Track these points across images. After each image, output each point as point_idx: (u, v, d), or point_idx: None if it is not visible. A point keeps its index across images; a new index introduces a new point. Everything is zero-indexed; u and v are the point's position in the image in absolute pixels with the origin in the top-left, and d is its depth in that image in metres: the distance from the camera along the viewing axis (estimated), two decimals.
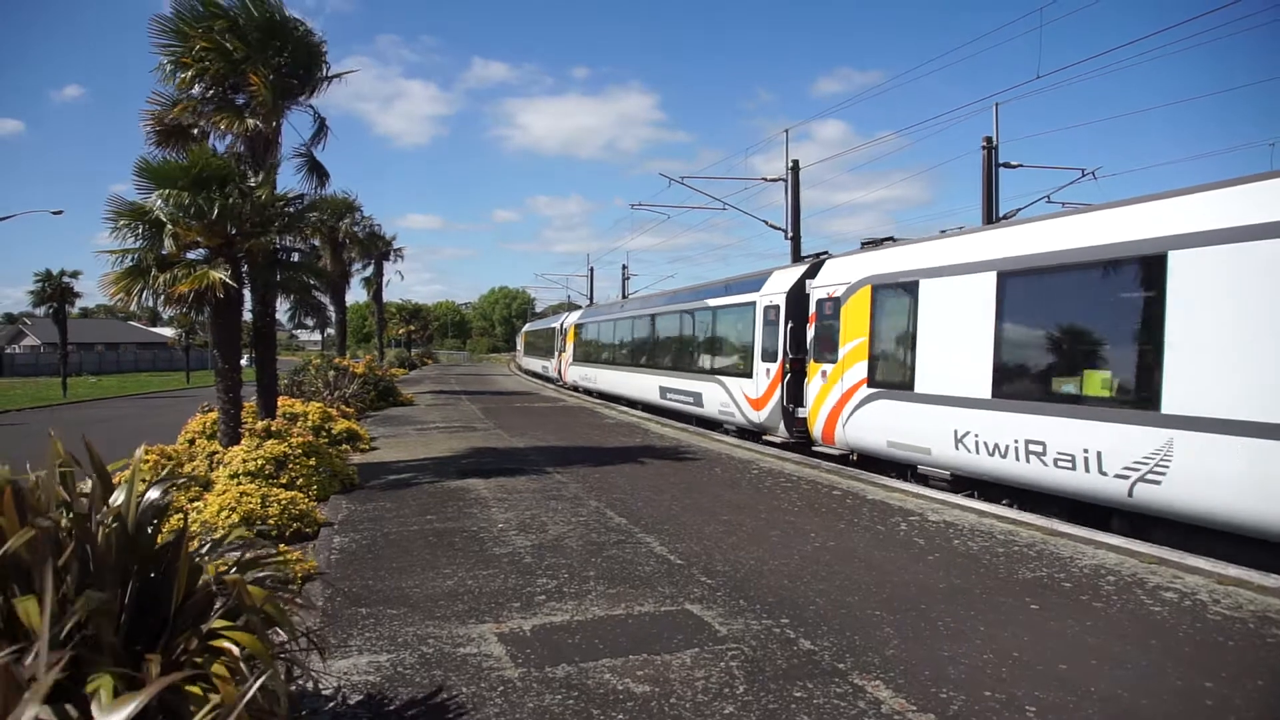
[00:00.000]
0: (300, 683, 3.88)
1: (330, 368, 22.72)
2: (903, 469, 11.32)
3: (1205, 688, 4.14)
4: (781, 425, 15.01)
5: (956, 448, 10.18)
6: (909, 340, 11.32)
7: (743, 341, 16.88)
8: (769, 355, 15.50)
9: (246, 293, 11.35)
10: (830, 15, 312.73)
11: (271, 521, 7.52)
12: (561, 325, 38.64)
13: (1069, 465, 8.57)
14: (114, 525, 2.87)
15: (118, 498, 2.95)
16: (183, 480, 7.46)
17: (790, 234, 23.16)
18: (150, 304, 10.85)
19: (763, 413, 15.70)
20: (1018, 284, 9.70)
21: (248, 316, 11.98)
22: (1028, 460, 9.10)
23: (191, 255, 10.64)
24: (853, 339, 12.62)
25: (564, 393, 31.45)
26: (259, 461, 9.07)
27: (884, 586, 5.93)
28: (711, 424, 18.15)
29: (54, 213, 35.92)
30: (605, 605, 5.50)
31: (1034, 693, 4.08)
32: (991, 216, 18.77)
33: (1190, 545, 7.22)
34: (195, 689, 2.47)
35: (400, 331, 69.46)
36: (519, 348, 63.68)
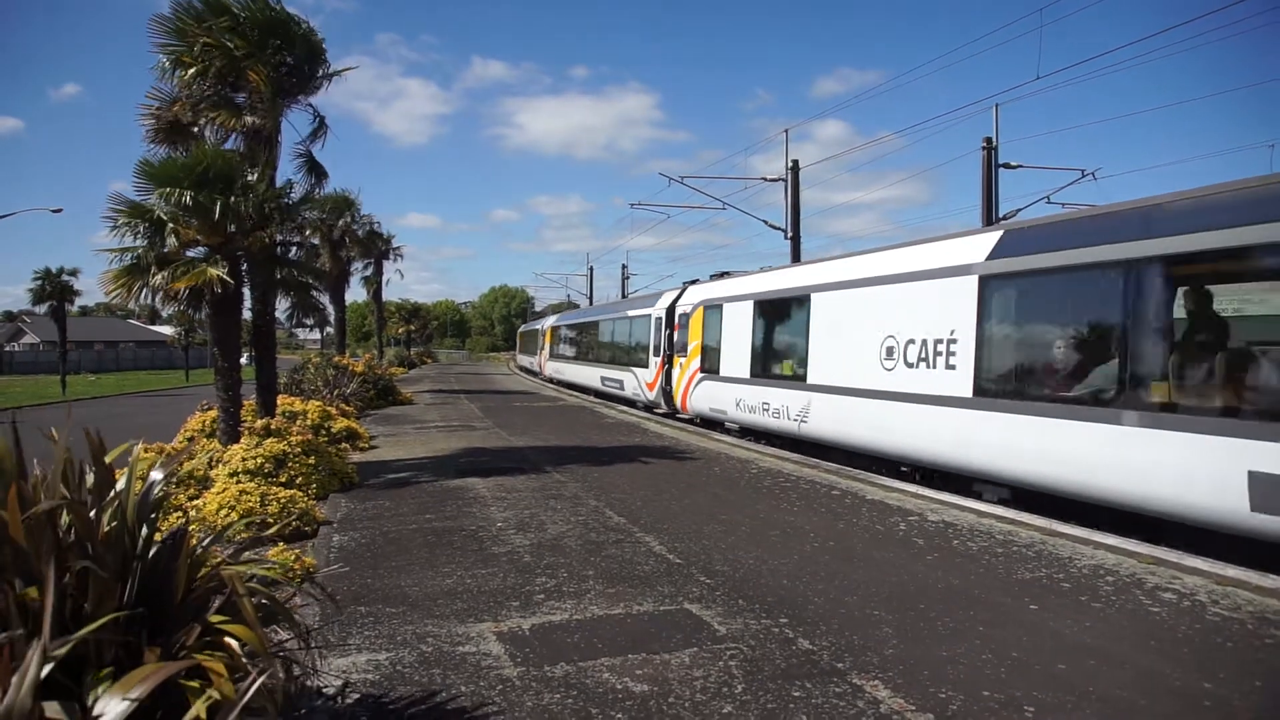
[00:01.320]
0: (299, 680, 3.88)
1: (330, 366, 22.72)
2: (718, 425, 17.47)
3: (1204, 688, 4.14)
4: (662, 401, 21.19)
5: (736, 409, 16.16)
6: (718, 342, 17.27)
7: (644, 343, 23.01)
8: (656, 352, 21.64)
9: (246, 291, 11.35)
10: (829, 15, 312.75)
11: (271, 520, 7.52)
12: (542, 328, 45.54)
13: (778, 416, 14.42)
14: (114, 523, 2.88)
15: (118, 490, 2.95)
16: (181, 469, 7.46)
17: (790, 234, 23.19)
18: (149, 301, 10.86)
19: (653, 393, 21.98)
20: (759, 307, 15.79)
21: (247, 315, 11.99)
22: (764, 415, 14.98)
23: (191, 254, 10.64)
24: (694, 341, 18.65)
25: (563, 392, 31.47)
26: (258, 460, 9.07)
27: (883, 586, 5.94)
28: (629, 402, 24.53)
29: (53, 210, 36.03)
30: (604, 604, 5.50)
31: (1033, 693, 4.08)
32: (991, 217, 18.79)
33: (825, 456, 12.68)
34: (194, 683, 2.48)
35: (400, 330, 69.46)
36: (518, 347, 68.13)
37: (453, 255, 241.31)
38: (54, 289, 42.46)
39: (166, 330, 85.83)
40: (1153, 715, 3.87)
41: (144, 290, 10.33)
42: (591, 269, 59.42)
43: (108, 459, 3.15)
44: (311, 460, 9.64)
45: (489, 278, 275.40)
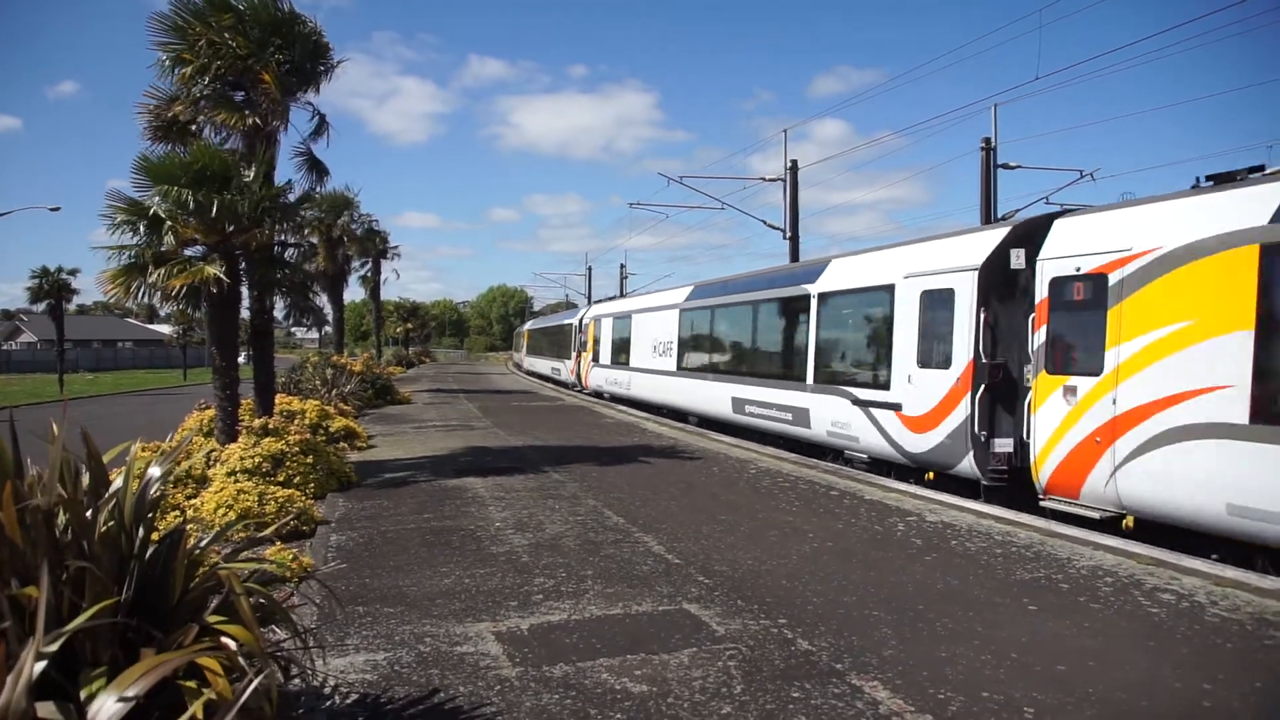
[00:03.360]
0: (297, 681, 3.87)
1: (328, 366, 22.69)
2: (602, 396, 27.30)
3: (1203, 689, 4.14)
4: (577, 382, 31.87)
5: (606, 384, 26.69)
6: (598, 343, 27.95)
7: (569, 342, 34.25)
8: (576, 348, 32.30)
9: (244, 290, 11.32)
10: (828, 14, 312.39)
11: (269, 519, 7.50)
12: (522, 330, 61.44)
13: (621, 387, 24.91)
14: (111, 523, 2.86)
15: (114, 489, 2.94)
16: (179, 467, 7.43)
17: (789, 234, 23.17)
18: (147, 300, 10.86)
19: (572, 376, 32.89)
20: (614, 321, 26.59)
21: (245, 314, 11.95)
22: (617, 387, 24.95)
23: (189, 252, 10.61)
24: (590, 342, 29.51)
25: (562, 391, 31.51)
26: (256, 459, 9.05)
27: (882, 587, 5.93)
28: (563, 384, 35.15)
29: (51, 209, 35.99)
30: (603, 605, 5.49)
31: (1032, 693, 4.08)
32: (990, 217, 18.78)
33: (642, 408, 22.47)
34: (190, 684, 2.46)
35: (398, 330, 69.28)
36: (513, 346, 76.74)
37: (450, 254, 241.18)
38: (52, 287, 42.32)
39: (164, 329, 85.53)
40: (1153, 716, 3.86)
41: (142, 288, 10.30)
42: (590, 269, 59.33)
43: (105, 458, 3.14)
44: (309, 459, 9.62)
45: (487, 277, 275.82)
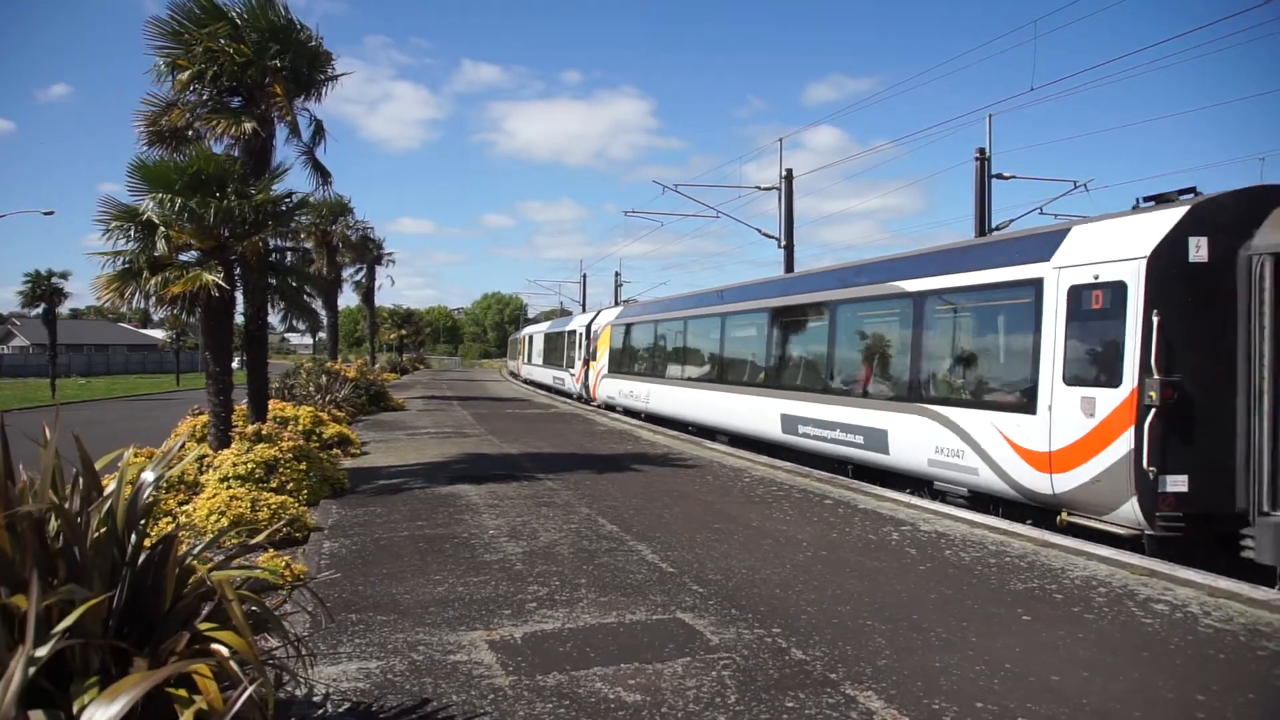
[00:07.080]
0: (289, 689, 3.84)
1: (322, 372, 22.60)
2: (531, 384, 45.42)
3: (1197, 700, 4.14)
4: (519, 374, 53.92)
5: (529, 375, 48.04)
6: (523, 349, 52.36)
7: (520, 349, 54.73)
8: (519, 353, 54.99)
9: (239, 295, 11.27)
10: (821, 21, 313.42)
11: (261, 526, 7.46)
12: (510, 338, 77.80)
13: (531, 375, 46.58)
14: (103, 529, 2.84)
15: (107, 495, 2.92)
16: (172, 473, 7.40)
17: (783, 242, 23.22)
18: (142, 306, 10.77)
19: (519, 370, 53.80)
20: (530, 338, 50.25)
21: (239, 319, 11.91)
22: (529, 374, 47.33)
23: (184, 257, 10.58)
24: (523, 348, 52.74)
25: (556, 399, 31.52)
26: (249, 465, 9.00)
27: (876, 596, 5.93)
28: (517, 376, 54.84)
29: (44, 213, 35.76)
30: (597, 613, 5.47)
31: (1026, 704, 4.07)
32: (984, 228, 18.86)
33: (536, 386, 44.54)
34: (182, 691, 2.44)
35: (392, 336, 69.19)
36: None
37: (445, 261, 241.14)
38: (44, 292, 42.06)
39: (158, 334, 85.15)
40: None
41: (137, 295, 10.25)
42: (585, 276, 60.05)
43: (98, 465, 3.12)
44: (303, 466, 9.58)
45: (482, 283, 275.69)
